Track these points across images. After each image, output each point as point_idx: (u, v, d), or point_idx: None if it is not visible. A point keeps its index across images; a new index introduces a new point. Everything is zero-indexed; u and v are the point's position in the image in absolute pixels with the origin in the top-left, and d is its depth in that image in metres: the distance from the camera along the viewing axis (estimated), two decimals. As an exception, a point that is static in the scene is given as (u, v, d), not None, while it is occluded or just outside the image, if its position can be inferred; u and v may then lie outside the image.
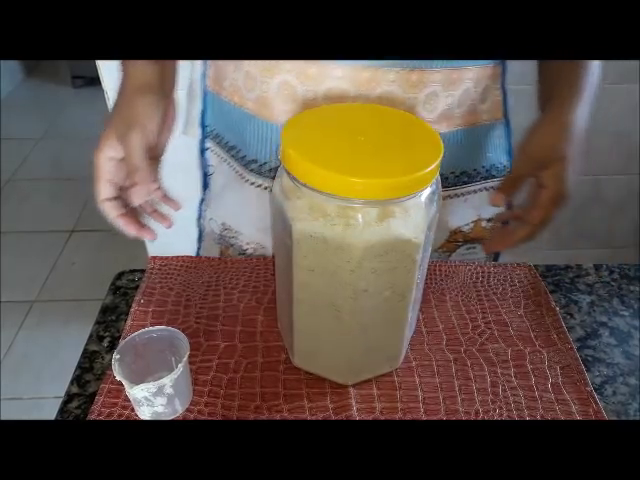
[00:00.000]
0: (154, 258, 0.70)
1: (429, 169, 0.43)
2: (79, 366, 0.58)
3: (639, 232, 1.75)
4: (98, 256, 1.95)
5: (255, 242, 0.73)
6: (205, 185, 0.77)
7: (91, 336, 0.62)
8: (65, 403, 0.55)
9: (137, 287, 0.66)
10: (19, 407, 1.53)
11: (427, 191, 0.45)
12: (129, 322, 0.61)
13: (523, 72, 1.48)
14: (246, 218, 0.72)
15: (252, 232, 0.72)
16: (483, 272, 0.69)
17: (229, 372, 0.56)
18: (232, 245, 0.75)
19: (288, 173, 0.45)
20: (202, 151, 0.74)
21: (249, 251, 0.74)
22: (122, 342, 0.52)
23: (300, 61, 0.57)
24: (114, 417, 0.52)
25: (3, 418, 1.47)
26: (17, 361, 1.67)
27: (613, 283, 0.69)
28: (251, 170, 0.68)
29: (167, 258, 0.70)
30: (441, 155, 0.44)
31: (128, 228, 0.56)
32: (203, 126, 0.73)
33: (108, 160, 0.53)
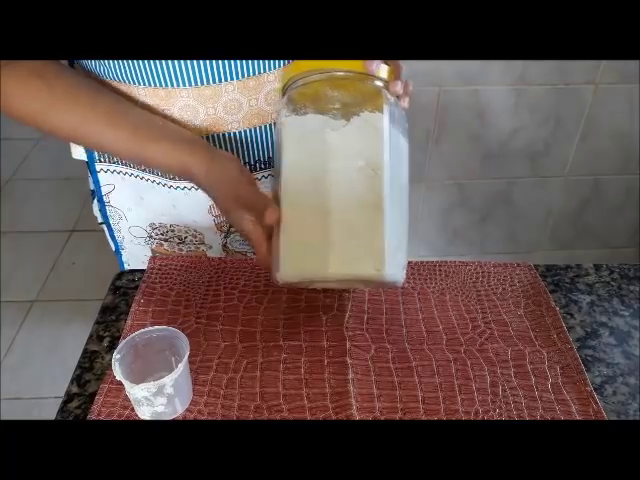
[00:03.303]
0: (154, 258, 0.70)
1: None
2: (79, 366, 0.58)
3: (639, 232, 1.75)
4: (98, 256, 1.95)
5: (193, 229, 0.75)
6: (103, 204, 0.77)
7: (91, 336, 0.62)
8: (65, 403, 0.55)
9: (137, 287, 0.66)
10: (19, 407, 1.53)
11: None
12: (129, 322, 0.61)
13: (523, 73, 1.48)
14: (178, 212, 0.74)
15: (188, 222, 0.75)
16: (483, 272, 0.69)
17: (229, 372, 0.56)
18: (166, 240, 0.77)
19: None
20: (93, 174, 0.75)
21: (188, 238, 0.76)
22: (122, 342, 0.52)
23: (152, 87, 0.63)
24: (114, 417, 0.52)
25: (3, 418, 1.47)
26: (17, 361, 1.66)
27: (613, 283, 0.69)
28: (171, 178, 0.70)
29: (167, 258, 0.70)
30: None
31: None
32: (89, 152, 0.74)
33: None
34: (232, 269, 0.68)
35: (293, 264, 0.52)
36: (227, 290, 0.65)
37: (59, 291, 1.89)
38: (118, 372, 0.49)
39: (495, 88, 1.41)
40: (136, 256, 0.80)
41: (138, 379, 0.50)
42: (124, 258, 0.82)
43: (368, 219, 0.52)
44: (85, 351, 0.60)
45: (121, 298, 0.66)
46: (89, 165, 0.74)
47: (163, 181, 0.71)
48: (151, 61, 0.60)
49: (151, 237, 0.76)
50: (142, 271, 0.69)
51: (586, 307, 0.66)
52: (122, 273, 0.70)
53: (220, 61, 0.61)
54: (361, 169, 0.52)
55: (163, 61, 0.60)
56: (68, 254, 2.04)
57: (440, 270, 0.69)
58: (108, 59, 0.60)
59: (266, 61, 0.63)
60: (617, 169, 1.62)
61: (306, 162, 0.53)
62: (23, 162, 2.49)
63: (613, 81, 1.44)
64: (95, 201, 0.78)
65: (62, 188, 2.30)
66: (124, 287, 0.68)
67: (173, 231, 0.75)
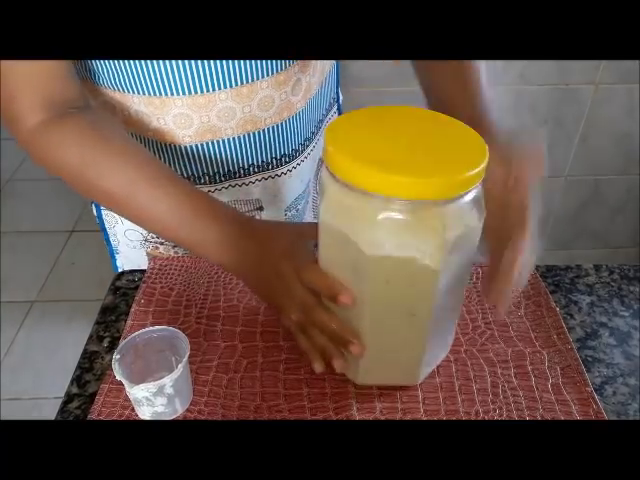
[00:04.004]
0: (154, 258, 0.70)
1: (472, 172, 0.42)
2: (79, 366, 0.58)
3: (639, 232, 1.75)
4: (98, 256, 1.95)
5: None
6: (98, 207, 0.77)
7: (91, 336, 0.62)
8: (65, 403, 0.55)
9: (137, 287, 0.66)
10: (19, 407, 1.53)
11: (453, 206, 0.43)
12: (129, 322, 0.61)
13: (523, 73, 1.48)
14: None
15: None
16: (483, 272, 0.69)
17: (229, 372, 0.56)
18: (162, 243, 0.76)
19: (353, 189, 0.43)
20: None
21: None
22: (122, 342, 0.52)
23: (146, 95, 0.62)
24: (114, 417, 0.52)
25: (3, 418, 1.47)
26: (17, 361, 1.66)
27: (613, 283, 0.69)
28: None
29: (167, 258, 0.70)
30: (485, 159, 0.43)
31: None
32: None
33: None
34: (232, 269, 0.68)
35: (374, 375, 0.54)
36: (227, 290, 0.66)
37: (59, 291, 1.89)
38: (118, 372, 0.49)
39: (495, 88, 1.41)
40: (131, 260, 0.80)
41: (138, 379, 0.50)
42: (119, 262, 0.82)
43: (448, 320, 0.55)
44: (85, 351, 0.60)
45: (121, 298, 0.66)
46: None
47: None
48: (145, 70, 0.60)
49: (146, 240, 0.76)
50: (142, 271, 0.69)
51: (586, 308, 0.66)
52: (122, 273, 0.70)
53: (213, 70, 0.61)
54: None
55: (157, 70, 0.60)
56: (68, 254, 2.04)
57: (440, 270, 0.69)
58: (102, 59, 0.60)
59: (259, 69, 0.63)
60: (617, 169, 1.62)
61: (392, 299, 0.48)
62: (23, 162, 2.50)
63: (613, 81, 1.44)
64: (93, 203, 0.78)
65: (62, 188, 2.30)
66: (124, 287, 0.68)
67: None
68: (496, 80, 0.58)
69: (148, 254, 0.77)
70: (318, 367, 0.52)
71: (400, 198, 0.42)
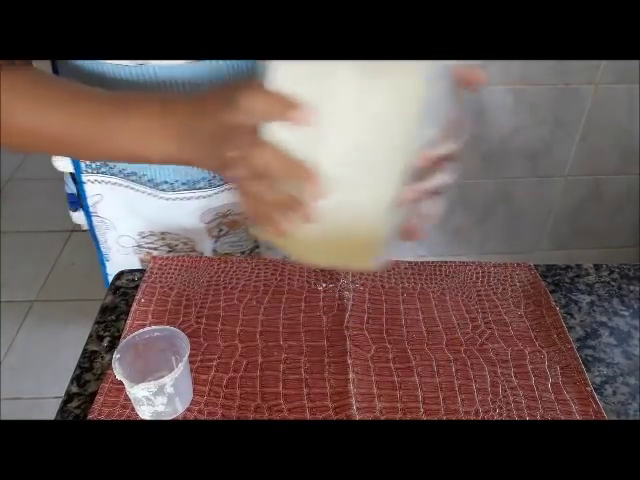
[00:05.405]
0: (154, 258, 0.70)
1: None
2: (79, 366, 0.58)
3: (639, 232, 1.75)
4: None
5: (184, 237, 0.74)
6: (89, 214, 0.76)
7: (91, 336, 0.62)
8: (65, 403, 0.55)
9: (137, 287, 0.66)
10: (19, 407, 1.53)
11: None
12: (129, 322, 0.61)
13: (523, 73, 1.48)
14: (169, 220, 0.73)
15: (179, 230, 0.74)
16: (483, 272, 0.69)
17: (229, 372, 0.56)
18: (156, 249, 0.76)
19: None
20: (80, 184, 0.73)
21: (179, 246, 0.75)
22: (122, 341, 0.52)
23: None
24: (114, 417, 0.52)
25: (3, 418, 1.47)
26: (17, 361, 1.66)
27: (613, 283, 0.69)
28: (162, 190, 0.69)
29: (167, 258, 0.70)
30: None
31: None
32: (76, 163, 0.72)
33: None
34: (232, 269, 0.68)
35: (321, 252, 0.47)
36: (227, 290, 0.66)
37: (59, 291, 1.89)
38: (118, 371, 0.49)
39: (495, 88, 1.41)
40: (121, 267, 0.78)
41: (138, 378, 0.50)
42: (109, 270, 0.81)
43: None
44: (85, 351, 0.60)
45: (121, 298, 0.66)
46: (74, 176, 0.74)
47: (154, 192, 0.71)
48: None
49: (140, 246, 0.76)
50: (142, 271, 0.69)
51: (586, 307, 0.66)
52: (122, 273, 0.70)
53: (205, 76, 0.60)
54: None
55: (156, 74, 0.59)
56: (68, 254, 2.04)
57: (440, 270, 0.69)
58: (100, 59, 0.60)
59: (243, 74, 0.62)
60: (617, 169, 1.62)
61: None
62: (23, 162, 2.49)
63: (613, 81, 1.44)
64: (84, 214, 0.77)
65: (62, 188, 2.30)
66: (124, 287, 0.68)
67: (164, 239, 0.75)
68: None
69: (141, 260, 0.77)
70: (288, 224, 0.43)
71: None
